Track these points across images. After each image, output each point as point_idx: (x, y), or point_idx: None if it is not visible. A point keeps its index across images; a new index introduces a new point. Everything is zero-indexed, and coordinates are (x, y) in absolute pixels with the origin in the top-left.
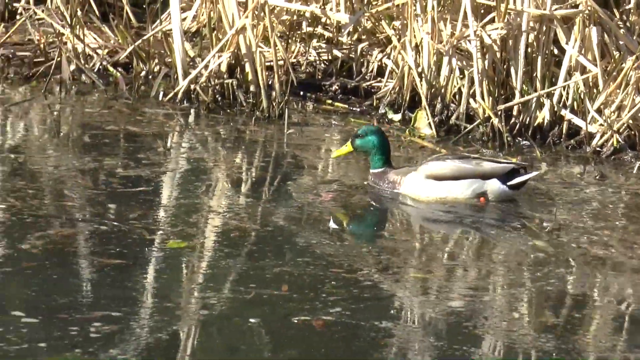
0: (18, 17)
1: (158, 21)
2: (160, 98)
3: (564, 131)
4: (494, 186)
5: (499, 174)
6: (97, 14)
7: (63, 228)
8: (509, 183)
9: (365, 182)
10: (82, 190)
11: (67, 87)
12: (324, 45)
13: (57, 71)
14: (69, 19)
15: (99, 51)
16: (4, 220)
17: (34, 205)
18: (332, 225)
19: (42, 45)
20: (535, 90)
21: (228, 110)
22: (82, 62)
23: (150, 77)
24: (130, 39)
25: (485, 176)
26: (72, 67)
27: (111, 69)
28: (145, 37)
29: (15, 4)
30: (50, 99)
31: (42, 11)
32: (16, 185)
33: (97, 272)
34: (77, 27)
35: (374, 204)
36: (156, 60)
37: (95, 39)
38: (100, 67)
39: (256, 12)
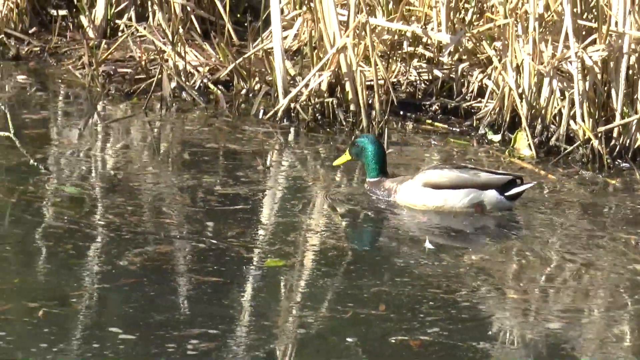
0: (120, 34)
1: (259, 39)
2: (260, 116)
3: None
4: (491, 196)
5: (497, 185)
6: (199, 31)
7: (161, 245)
8: (506, 194)
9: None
10: (181, 207)
11: (168, 104)
12: (424, 65)
13: (157, 88)
14: (170, 37)
15: (200, 69)
16: (102, 236)
17: (133, 222)
18: (428, 245)
19: (143, 63)
20: (636, 112)
21: (328, 129)
22: (183, 79)
23: (250, 95)
24: (231, 56)
25: (483, 186)
26: (173, 84)
27: (212, 86)
28: (246, 55)
29: (117, 21)
30: (151, 116)
31: (144, 28)
32: (115, 201)
33: (195, 290)
34: (179, 44)
35: (468, 224)
36: (257, 79)
37: (196, 56)
38: (201, 84)
39: (357, 31)
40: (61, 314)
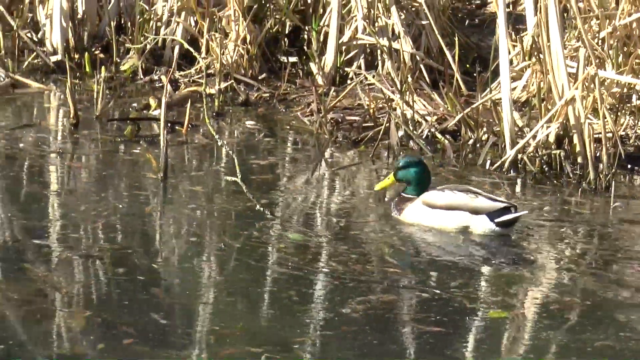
0: (349, 81)
1: (487, 90)
2: (487, 166)
3: None
4: (479, 222)
5: (488, 211)
6: (427, 80)
7: (385, 294)
8: (496, 220)
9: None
10: (404, 256)
11: (395, 152)
12: None
13: (385, 136)
14: (399, 85)
15: (428, 118)
16: (326, 283)
17: (357, 270)
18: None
19: (371, 110)
20: None
21: (554, 181)
22: (411, 128)
23: (477, 145)
24: (459, 106)
25: (474, 211)
26: (401, 133)
27: (439, 136)
28: (474, 106)
29: (346, 69)
30: (378, 164)
31: (373, 76)
32: (339, 249)
33: (417, 339)
34: (407, 93)
35: None
36: (484, 129)
37: (424, 105)
38: (429, 133)
39: (586, 84)
40: None
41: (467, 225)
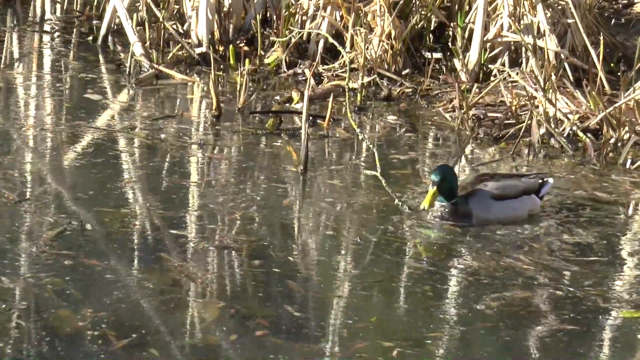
0: (492, 78)
1: (631, 89)
2: (627, 165)
3: None
4: (536, 203)
5: (534, 190)
6: (571, 79)
7: (519, 290)
8: (540, 196)
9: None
10: (538, 254)
11: (536, 150)
12: None
13: (526, 134)
14: (542, 83)
15: (570, 116)
16: (460, 280)
17: (491, 266)
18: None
19: (513, 108)
20: None
21: None
22: (553, 126)
23: (619, 144)
24: (602, 105)
25: (527, 193)
26: (542, 130)
27: (581, 134)
28: (617, 105)
29: (490, 66)
30: (518, 161)
31: (517, 74)
32: (474, 246)
33: (550, 337)
34: (550, 91)
35: None
36: (626, 128)
37: (567, 103)
38: (570, 132)
39: None
40: (415, 355)
41: (533, 208)
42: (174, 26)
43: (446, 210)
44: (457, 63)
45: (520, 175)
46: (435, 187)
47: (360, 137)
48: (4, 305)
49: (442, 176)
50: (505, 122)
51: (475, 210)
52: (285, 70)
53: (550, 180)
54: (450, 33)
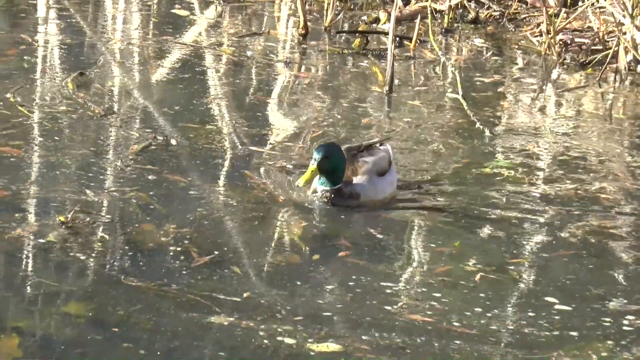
0: (580, 3)
1: None
2: None
3: None
4: None
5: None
6: None
7: (605, 219)
8: None
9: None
10: (624, 184)
11: (622, 77)
12: None
13: (613, 60)
14: (630, 10)
15: None
16: (545, 207)
17: (575, 195)
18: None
19: (600, 34)
20: None
21: None
22: (639, 53)
23: None
24: None
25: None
26: (629, 57)
27: None
28: None
29: None
30: (604, 87)
31: (605, 0)
32: (554, 173)
33: (635, 265)
34: (638, 17)
35: None
36: None
37: None
38: None
39: None
40: (498, 280)
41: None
42: None
43: (327, 194)
44: None
45: (371, 143)
46: (315, 164)
47: (442, 60)
48: (88, 219)
49: (325, 154)
50: (592, 48)
51: (366, 190)
52: None
53: (389, 146)
54: None
